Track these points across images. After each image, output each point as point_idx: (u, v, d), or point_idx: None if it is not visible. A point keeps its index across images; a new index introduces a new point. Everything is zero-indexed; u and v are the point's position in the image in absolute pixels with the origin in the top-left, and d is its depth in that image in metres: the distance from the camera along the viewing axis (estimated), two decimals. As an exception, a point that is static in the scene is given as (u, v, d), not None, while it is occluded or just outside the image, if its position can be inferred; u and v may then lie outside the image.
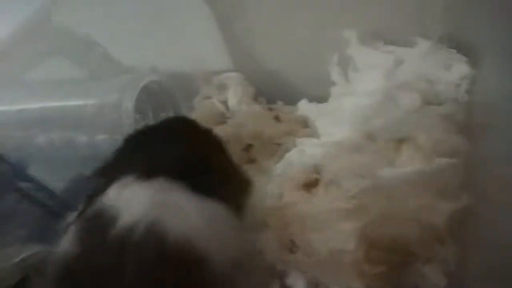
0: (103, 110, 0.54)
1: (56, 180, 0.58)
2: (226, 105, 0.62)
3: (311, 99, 0.61)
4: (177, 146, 0.35)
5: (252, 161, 0.55)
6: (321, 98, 0.59)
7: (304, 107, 0.59)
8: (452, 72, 0.38)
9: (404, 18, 0.49)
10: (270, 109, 0.63)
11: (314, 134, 0.51)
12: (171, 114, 0.61)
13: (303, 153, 0.41)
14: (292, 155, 0.43)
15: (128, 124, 0.52)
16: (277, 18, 0.58)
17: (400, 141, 0.36)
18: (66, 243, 0.30)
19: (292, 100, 0.63)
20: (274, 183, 0.41)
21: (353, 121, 0.37)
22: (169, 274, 0.27)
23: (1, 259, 0.43)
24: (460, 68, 0.38)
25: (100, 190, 0.32)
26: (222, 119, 0.61)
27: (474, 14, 0.42)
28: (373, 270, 0.28)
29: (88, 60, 0.68)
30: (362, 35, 0.47)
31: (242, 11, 0.60)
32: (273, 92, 0.65)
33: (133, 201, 0.29)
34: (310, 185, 0.36)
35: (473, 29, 0.42)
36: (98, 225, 0.29)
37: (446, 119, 0.36)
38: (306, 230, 0.31)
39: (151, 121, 0.60)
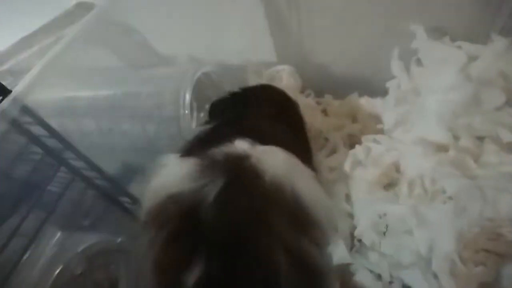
0: (156, 100, 0.54)
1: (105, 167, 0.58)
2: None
3: (361, 94, 0.61)
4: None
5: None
6: (372, 93, 0.59)
7: (362, 102, 0.58)
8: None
9: (469, 14, 0.48)
10: (318, 103, 0.63)
11: (373, 130, 0.51)
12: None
13: (371, 151, 0.41)
14: (359, 153, 0.42)
15: (184, 115, 0.52)
16: (329, 10, 0.57)
17: (482, 138, 0.35)
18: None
19: (339, 94, 0.63)
20: (342, 184, 0.41)
21: (436, 118, 0.36)
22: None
23: (66, 248, 0.44)
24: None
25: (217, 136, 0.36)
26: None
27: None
28: (469, 271, 0.28)
29: (128, 49, 0.68)
30: (428, 29, 0.47)
31: (294, 2, 0.59)
32: (320, 85, 0.65)
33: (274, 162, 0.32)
34: (389, 184, 0.36)
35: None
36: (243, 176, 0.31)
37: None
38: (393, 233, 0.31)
39: (195, 112, 0.60)
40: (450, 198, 0.31)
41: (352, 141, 0.53)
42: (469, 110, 0.36)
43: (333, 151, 0.53)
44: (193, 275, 0.28)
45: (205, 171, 0.32)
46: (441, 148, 0.35)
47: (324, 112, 0.62)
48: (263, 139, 0.35)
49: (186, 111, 0.50)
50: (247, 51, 0.65)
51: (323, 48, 0.61)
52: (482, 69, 0.39)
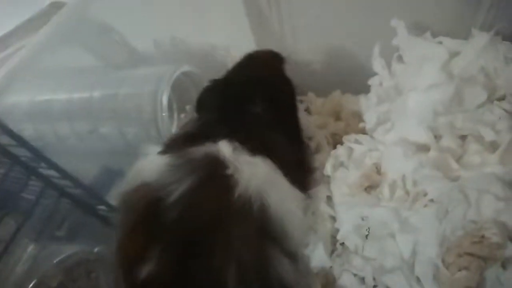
0: (134, 102, 0.52)
1: (83, 172, 0.57)
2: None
3: (344, 91, 0.60)
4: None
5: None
6: (355, 90, 0.58)
7: (345, 99, 0.57)
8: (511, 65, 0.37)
9: (450, 9, 0.47)
10: (301, 101, 0.61)
11: (356, 128, 0.49)
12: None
13: (352, 151, 0.40)
14: (340, 154, 0.41)
15: (162, 118, 0.50)
16: (310, 8, 0.56)
17: (464, 137, 0.35)
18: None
19: (322, 92, 0.61)
20: (324, 186, 0.40)
21: (417, 117, 0.35)
22: None
23: (42, 260, 0.42)
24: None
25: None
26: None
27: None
28: (452, 276, 0.27)
29: (104, 47, 0.66)
30: (409, 25, 0.46)
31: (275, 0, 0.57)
32: (303, 83, 0.63)
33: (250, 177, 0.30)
34: (370, 187, 0.35)
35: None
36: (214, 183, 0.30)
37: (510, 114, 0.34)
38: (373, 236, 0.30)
39: (175, 114, 0.58)
40: (432, 200, 0.30)
41: (336, 140, 0.51)
42: (451, 108, 0.35)
43: (317, 151, 0.52)
44: (145, 269, 0.27)
45: (180, 167, 0.31)
46: (423, 148, 0.34)
47: (307, 110, 0.60)
48: (250, 141, 0.34)
49: (164, 114, 0.49)
50: (229, 50, 0.63)
51: (305, 45, 0.60)
52: (463, 66, 0.38)
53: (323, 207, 0.39)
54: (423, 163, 0.32)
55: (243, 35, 0.62)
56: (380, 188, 0.34)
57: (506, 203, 0.28)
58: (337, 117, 0.59)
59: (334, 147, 0.46)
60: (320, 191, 0.41)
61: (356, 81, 0.54)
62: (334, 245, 0.38)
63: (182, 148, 0.33)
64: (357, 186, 0.35)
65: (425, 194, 0.30)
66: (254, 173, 0.31)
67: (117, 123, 0.51)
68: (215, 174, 0.30)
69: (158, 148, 0.36)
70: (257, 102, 0.38)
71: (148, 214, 0.30)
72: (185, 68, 0.53)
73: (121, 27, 0.64)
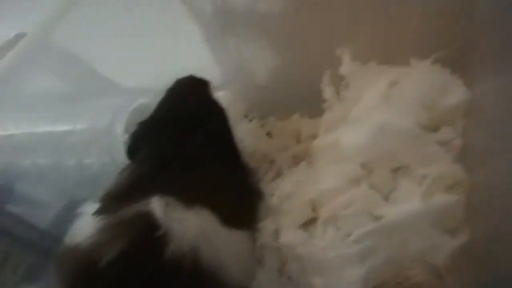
0: (92, 134, 0.52)
1: (46, 207, 0.57)
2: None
3: (303, 114, 0.60)
4: None
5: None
6: (313, 113, 0.58)
7: (303, 122, 0.57)
8: (449, 95, 0.37)
9: (397, 36, 0.47)
10: (262, 125, 0.62)
11: (309, 154, 0.49)
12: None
13: (298, 184, 0.39)
14: (287, 186, 0.41)
15: (118, 148, 0.50)
16: (265, 35, 0.56)
17: (396, 170, 0.34)
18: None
19: (282, 116, 0.61)
20: (269, 219, 0.39)
21: (352, 148, 0.35)
22: None
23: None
24: (456, 91, 0.36)
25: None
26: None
27: (470, 32, 0.41)
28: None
29: (74, 76, 0.66)
30: (355, 53, 0.46)
31: (234, 27, 0.58)
32: (264, 108, 0.63)
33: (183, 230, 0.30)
34: (308, 223, 0.34)
35: (469, 47, 0.41)
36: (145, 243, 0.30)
37: (444, 147, 0.34)
38: (306, 273, 0.30)
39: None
40: (357, 241, 0.30)
41: (297, 163, 0.52)
42: (382, 141, 0.35)
43: (278, 174, 0.52)
44: None
45: (112, 229, 0.31)
46: (355, 182, 0.34)
47: (269, 134, 0.61)
48: (184, 190, 0.33)
49: (120, 146, 0.49)
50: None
51: (264, 71, 0.60)
52: (401, 95, 0.38)
53: (269, 241, 0.38)
54: (353, 200, 0.32)
55: (204, 64, 0.62)
56: (315, 224, 0.34)
57: (430, 242, 0.28)
58: (298, 140, 0.59)
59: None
60: (267, 224, 0.40)
61: (313, 104, 0.55)
62: (282, 277, 0.38)
63: (115, 207, 0.32)
64: (296, 221, 0.35)
65: (350, 235, 0.30)
66: (187, 230, 0.30)
67: (78, 156, 0.51)
68: (146, 237, 0.30)
69: (95, 206, 0.35)
70: (188, 139, 0.38)
71: (82, 279, 0.29)
72: (141, 100, 0.53)
73: (85, 54, 0.65)
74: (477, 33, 0.41)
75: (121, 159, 0.51)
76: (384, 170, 0.34)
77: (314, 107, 0.55)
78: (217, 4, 0.55)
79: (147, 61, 0.64)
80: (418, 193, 0.30)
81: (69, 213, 0.55)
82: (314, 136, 0.54)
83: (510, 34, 0.32)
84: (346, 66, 0.44)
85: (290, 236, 0.34)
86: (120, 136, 0.50)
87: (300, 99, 0.59)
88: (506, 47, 0.34)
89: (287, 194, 0.41)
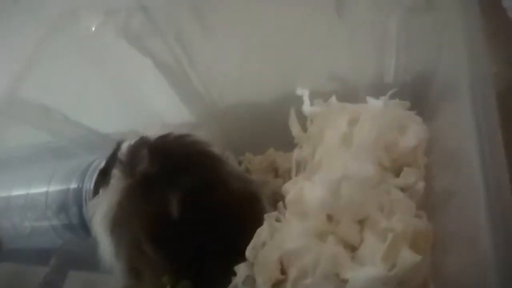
0: (63, 198, 0.50)
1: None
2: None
3: (277, 148, 0.58)
4: None
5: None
6: (287, 147, 0.57)
7: (278, 156, 0.56)
8: (408, 134, 0.35)
9: (357, 69, 0.46)
10: (239, 162, 0.60)
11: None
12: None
13: (273, 234, 0.37)
14: (263, 234, 0.37)
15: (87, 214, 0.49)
16: (228, 75, 0.55)
17: (362, 221, 0.32)
18: None
19: (258, 150, 0.60)
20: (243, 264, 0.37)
21: (313, 203, 0.33)
22: None
23: None
24: (415, 130, 0.35)
25: None
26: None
27: (428, 64, 0.39)
28: None
29: (50, 126, 0.65)
30: (316, 90, 0.44)
31: (199, 68, 0.57)
32: (239, 144, 0.62)
33: None
34: (278, 284, 0.32)
35: (428, 80, 0.39)
36: None
37: (407, 192, 0.32)
38: None
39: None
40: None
41: (276, 200, 0.50)
42: (348, 188, 0.33)
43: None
44: None
45: None
46: (321, 237, 0.32)
47: (246, 169, 0.59)
48: None
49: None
50: (163, 121, 0.62)
51: (235, 108, 0.59)
52: (360, 136, 0.36)
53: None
54: (319, 259, 0.30)
55: (176, 105, 0.61)
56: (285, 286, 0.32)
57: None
58: (276, 175, 0.58)
59: (275, 208, 0.44)
60: (241, 268, 0.38)
61: (288, 138, 0.53)
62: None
63: None
64: (265, 282, 0.33)
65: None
66: None
67: (49, 221, 0.50)
68: None
69: None
70: None
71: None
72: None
73: (61, 106, 0.64)
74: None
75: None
76: (350, 222, 0.32)
77: (288, 141, 0.54)
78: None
79: (121, 106, 0.63)
80: (382, 252, 0.28)
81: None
82: (290, 171, 0.52)
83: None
84: (306, 106, 0.43)
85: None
86: (90, 196, 0.48)
87: (273, 133, 0.58)
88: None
89: (262, 243, 0.39)
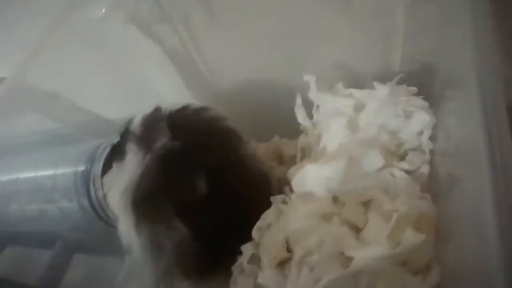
0: (71, 178, 0.51)
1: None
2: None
3: (283, 135, 0.59)
4: None
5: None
6: (292, 134, 0.57)
7: (283, 143, 0.56)
8: (413, 120, 0.35)
9: (363, 58, 0.46)
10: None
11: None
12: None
13: (278, 215, 0.38)
14: (269, 216, 0.37)
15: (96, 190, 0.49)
16: (242, 57, 0.55)
17: (367, 203, 0.33)
18: None
19: (263, 138, 0.60)
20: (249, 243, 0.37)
21: (319, 186, 0.34)
22: None
23: None
24: (421, 115, 0.35)
25: None
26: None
27: (434, 53, 0.39)
28: None
29: (57, 113, 0.65)
30: (322, 78, 0.44)
31: (206, 55, 0.57)
32: (245, 132, 0.62)
33: None
34: (284, 262, 0.33)
35: (434, 68, 0.39)
36: None
37: (411, 175, 0.33)
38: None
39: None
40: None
41: (281, 186, 0.50)
42: (353, 171, 0.33)
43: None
44: None
45: None
46: (326, 219, 0.32)
47: (252, 158, 0.59)
48: None
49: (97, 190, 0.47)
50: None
51: (240, 95, 0.59)
52: (367, 121, 0.36)
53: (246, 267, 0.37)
54: (324, 239, 0.30)
55: (181, 91, 0.61)
56: (288, 264, 0.32)
57: (399, 285, 0.26)
58: (281, 162, 0.58)
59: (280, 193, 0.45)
60: (246, 248, 0.37)
61: (293, 125, 0.53)
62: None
63: None
64: (270, 261, 0.33)
65: (318, 280, 0.29)
66: None
67: (56, 204, 0.50)
68: None
69: None
70: None
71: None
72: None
73: (68, 93, 0.64)
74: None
75: (100, 205, 0.51)
76: (355, 204, 0.32)
77: (293, 128, 0.54)
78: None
79: (126, 93, 0.64)
80: (387, 232, 0.28)
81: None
82: (295, 157, 0.53)
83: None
84: (313, 92, 0.43)
85: (267, 277, 0.32)
86: (98, 180, 0.49)
87: (280, 121, 0.59)
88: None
89: (268, 224, 0.40)
